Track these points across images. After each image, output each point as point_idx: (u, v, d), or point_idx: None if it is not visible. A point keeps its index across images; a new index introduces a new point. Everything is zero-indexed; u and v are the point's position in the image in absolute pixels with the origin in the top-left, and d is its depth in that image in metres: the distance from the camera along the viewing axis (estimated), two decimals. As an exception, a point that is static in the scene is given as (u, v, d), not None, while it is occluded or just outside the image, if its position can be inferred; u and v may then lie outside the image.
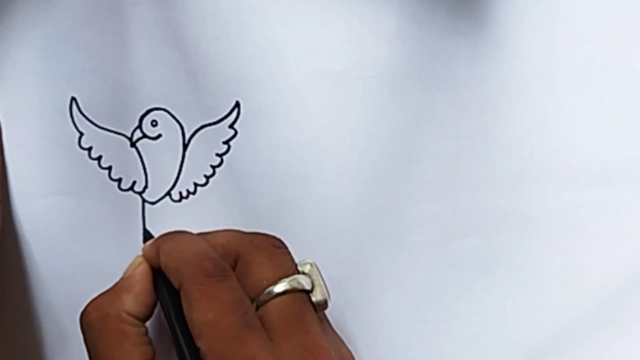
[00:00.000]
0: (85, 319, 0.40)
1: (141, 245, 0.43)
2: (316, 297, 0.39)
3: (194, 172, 0.44)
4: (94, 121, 0.44)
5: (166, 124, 0.43)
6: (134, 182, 0.44)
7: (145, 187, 0.44)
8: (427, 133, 0.43)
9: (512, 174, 0.43)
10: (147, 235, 0.43)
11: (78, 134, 0.44)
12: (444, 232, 0.44)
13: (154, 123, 0.43)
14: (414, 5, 0.42)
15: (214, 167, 0.44)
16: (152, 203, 0.44)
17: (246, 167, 0.43)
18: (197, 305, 0.38)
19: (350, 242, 0.42)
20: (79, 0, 0.43)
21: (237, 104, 0.43)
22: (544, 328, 0.43)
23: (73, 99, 0.44)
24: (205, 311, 0.37)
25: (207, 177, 0.44)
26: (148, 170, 0.44)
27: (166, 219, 0.44)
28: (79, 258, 0.44)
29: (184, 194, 0.44)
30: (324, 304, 0.40)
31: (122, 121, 0.44)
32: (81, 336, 0.41)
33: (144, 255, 0.41)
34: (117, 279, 0.42)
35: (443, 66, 0.43)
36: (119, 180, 0.44)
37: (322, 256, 0.43)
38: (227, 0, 0.42)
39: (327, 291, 0.40)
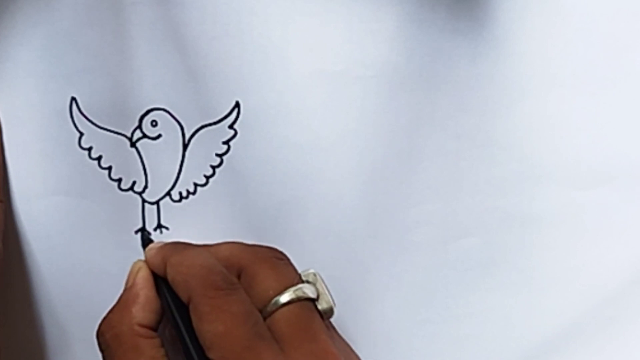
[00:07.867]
0: (101, 339, 0.40)
1: (139, 247, 0.43)
2: (322, 305, 0.40)
3: (193, 172, 0.44)
4: (94, 121, 0.44)
5: (166, 124, 0.43)
6: (134, 182, 0.44)
7: (145, 187, 0.44)
8: (427, 133, 0.43)
9: (512, 174, 0.43)
10: (145, 239, 0.43)
11: (78, 134, 0.44)
12: (444, 232, 0.44)
13: (154, 123, 0.43)
14: (414, 5, 0.42)
15: (214, 167, 0.44)
16: (152, 203, 0.44)
17: (246, 167, 0.43)
18: (207, 318, 0.37)
19: (350, 242, 0.42)
20: (79, 0, 0.43)
21: (237, 104, 0.43)
22: (544, 328, 0.43)
23: (73, 99, 0.44)
24: (216, 323, 0.37)
25: (207, 177, 0.44)
26: (148, 171, 0.44)
27: (166, 219, 0.44)
28: (79, 258, 0.44)
29: (184, 194, 0.44)
30: (330, 312, 0.40)
31: (122, 121, 0.44)
32: (81, 335, 0.41)
33: (149, 264, 0.41)
34: (116, 279, 0.42)
35: (443, 66, 0.43)
36: (119, 180, 0.44)
37: (322, 256, 0.43)
38: (227, 0, 0.42)
39: (332, 299, 0.40)
